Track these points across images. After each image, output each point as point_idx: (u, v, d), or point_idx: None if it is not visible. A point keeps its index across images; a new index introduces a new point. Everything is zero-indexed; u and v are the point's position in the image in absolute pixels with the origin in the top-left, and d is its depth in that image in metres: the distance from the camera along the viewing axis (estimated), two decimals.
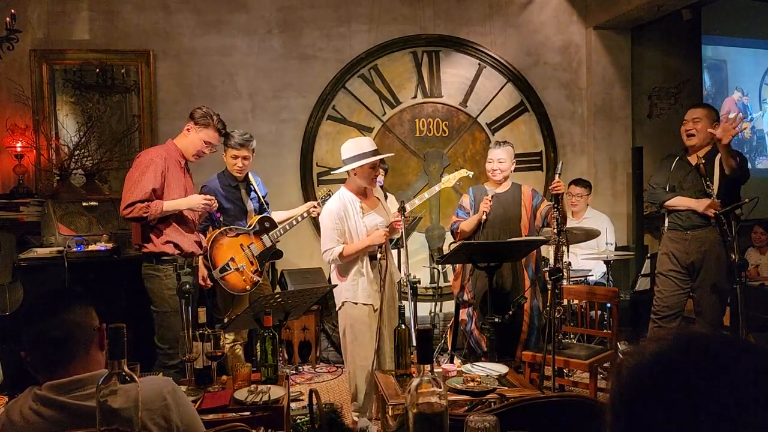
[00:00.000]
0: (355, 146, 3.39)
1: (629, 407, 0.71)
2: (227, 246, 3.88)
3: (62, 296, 1.59)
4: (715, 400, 0.65)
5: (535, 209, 3.89)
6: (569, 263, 4.35)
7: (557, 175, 3.50)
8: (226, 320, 3.69)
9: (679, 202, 3.76)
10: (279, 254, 4.16)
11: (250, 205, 4.08)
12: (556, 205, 3.40)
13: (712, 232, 3.65)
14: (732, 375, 0.66)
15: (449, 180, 4.30)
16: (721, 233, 3.47)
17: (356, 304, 3.42)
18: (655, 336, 0.79)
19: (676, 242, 3.82)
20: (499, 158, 3.84)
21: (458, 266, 4.08)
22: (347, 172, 3.44)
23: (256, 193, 4.13)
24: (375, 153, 3.39)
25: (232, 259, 3.86)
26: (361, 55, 5.63)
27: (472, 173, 4.49)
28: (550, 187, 3.60)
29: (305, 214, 4.15)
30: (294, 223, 4.10)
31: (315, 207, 4.11)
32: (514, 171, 4.06)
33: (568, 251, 3.85)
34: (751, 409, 0.64)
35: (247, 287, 3.91)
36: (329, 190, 4.14)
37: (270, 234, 4.00)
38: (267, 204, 4.21)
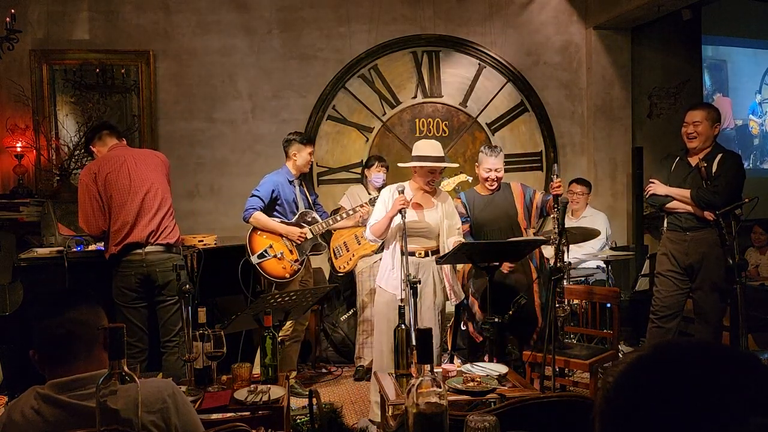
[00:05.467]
0: (423, 148, 3.61)
1: (613, 409, 0.73)
2: (266, 234, 4.07)
3: (68, 295, 1.60)
4: (688, 397, 0.68)
5: (529, 202, 3.91)
6: (569, 263, 4.34)
7: (555, 176, 3.52)
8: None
9: (679, 204, 3.76)
10: (321, 247, 4.27)
11: (302, 203, 4.24)
12: (556, 206, 3.42)
13: (712, 234, 3.64)
14: (704, 374, 0.70)
15: (448, 184, 4.30)
16: (719, 235, 3.46)
17: (379, 287, 3.64)
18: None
19: (675, 243, 3.81)
20: (496, 167, 3.85)
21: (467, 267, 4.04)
22: (412, 169, 3.65)
23: (305, 192, 4.31)
24: (438, 160, 3.56)
25: (270, 246, 4.04)
26: (361, 55, 5.63)
27: (471, 178, 4.48)
28: (550, 188, 3.61)
29: (350, 212, 4.25)
30: (338, 218, 4.22)
31: (362, 206, 4.23)
32: (515, 171, 4.05)
33: (568, 251, 3.85)
34: (719, 409, 0.67)
35: (287, 275, 4.06)
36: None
37: (311, 227, 4.16)
38: (319, 205, 4.39)
